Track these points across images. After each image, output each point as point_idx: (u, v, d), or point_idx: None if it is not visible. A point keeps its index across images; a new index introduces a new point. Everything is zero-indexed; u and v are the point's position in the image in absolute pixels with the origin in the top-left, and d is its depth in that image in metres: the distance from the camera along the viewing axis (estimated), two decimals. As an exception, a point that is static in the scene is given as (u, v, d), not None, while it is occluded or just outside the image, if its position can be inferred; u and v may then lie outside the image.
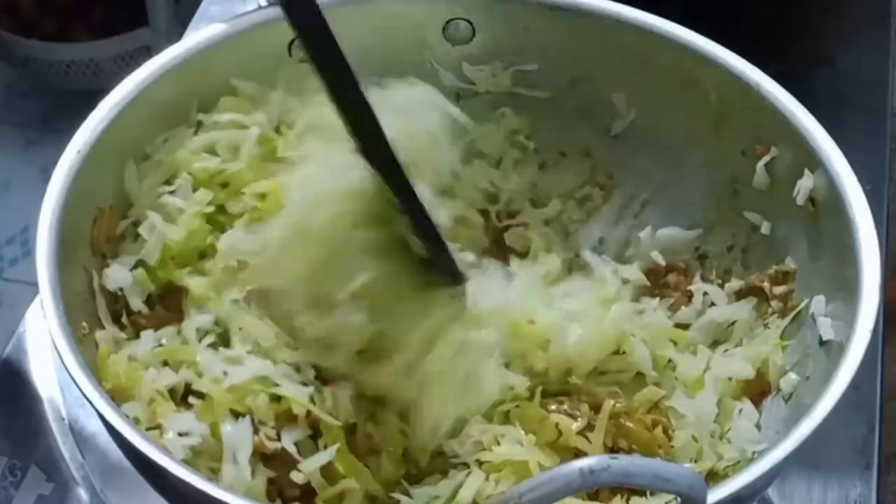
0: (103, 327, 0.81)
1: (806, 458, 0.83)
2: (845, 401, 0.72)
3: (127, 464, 0.76)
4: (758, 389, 0.82)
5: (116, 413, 0.71)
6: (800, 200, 0.83)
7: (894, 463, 0.98)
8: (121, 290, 0.83)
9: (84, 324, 0.78)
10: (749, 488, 0.69)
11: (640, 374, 0.83)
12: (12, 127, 1.23)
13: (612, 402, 0.81)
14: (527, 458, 0.77)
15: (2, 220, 1.10)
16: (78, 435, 0.88)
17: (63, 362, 0.72)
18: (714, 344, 0.87)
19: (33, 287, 0.76)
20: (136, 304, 0.83)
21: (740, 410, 0.81)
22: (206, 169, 0.86)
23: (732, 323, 0.87)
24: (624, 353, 0.83)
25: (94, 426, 0.87)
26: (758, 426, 0.81)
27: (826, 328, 0.79)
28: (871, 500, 0.88)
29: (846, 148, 0.82)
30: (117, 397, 0.76)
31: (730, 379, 0.83)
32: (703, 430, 0.81)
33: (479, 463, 0.78)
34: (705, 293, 0.89)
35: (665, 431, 0.81)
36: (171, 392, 0.79)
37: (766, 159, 0.86)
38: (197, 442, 0.75)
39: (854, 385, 0.72)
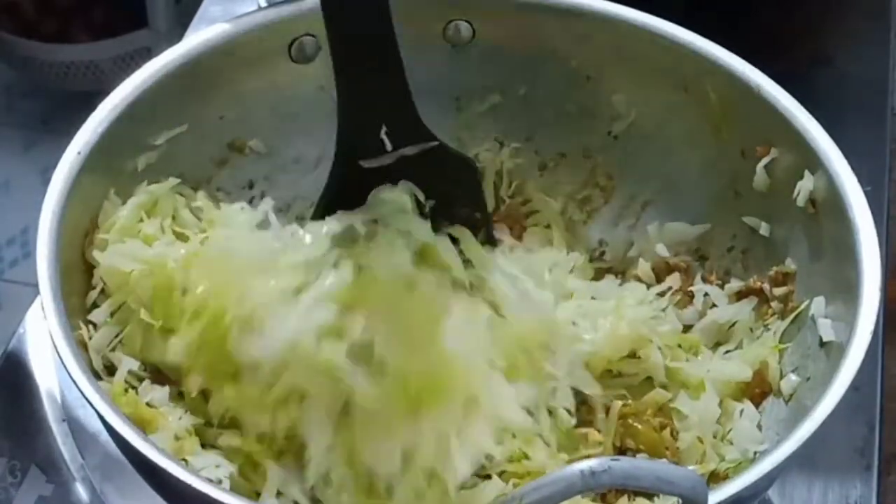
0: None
1: (806, 459, 0.83)
2: (845, 402, 0.72)
3: (127, 465, 0.76)
4: (758, 391, 0.82)
5: (116, 414, 0.71)
6: (800, 202, 0.83)
7: (895, 464, 0.98)
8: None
9: (82, 329, 0.78)
10: (750, 489, 0.69)
11: (648, 377, 0.84)
12: (12, 128, 1.23)
13: (619, 403, 0.81)
14: (545, 468, 0.77)
15: (2, 222, 1.10)
16: (78, 435, 0.88)
17: (63, 363, 0.72)
18: (716, 345, 0.87)
19: (33, 288, 0.76)
20: (131, 366, 0.80)
21: (741, 412, 0.81)
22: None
23: (733, 324, 0.87)
24: (638, 357, 0.83)
25: (94, 427, 0.87)
26: (759, 427, 0.81)
27: (826, 329, 0.79)
28: (872, 501, 0.88)
29: (846, 148, 0.82)
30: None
31: (728, 381, 0.83)
32: (707, 432, 0.81)
33: (501, 473, 0.78)
34: (706, 294, 0.89)
35: (672, 433, 0.81)
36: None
37: (766, 160, 0.86)
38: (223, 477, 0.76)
39: (854, 386, 0.72)
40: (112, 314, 0.81)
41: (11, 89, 1.29)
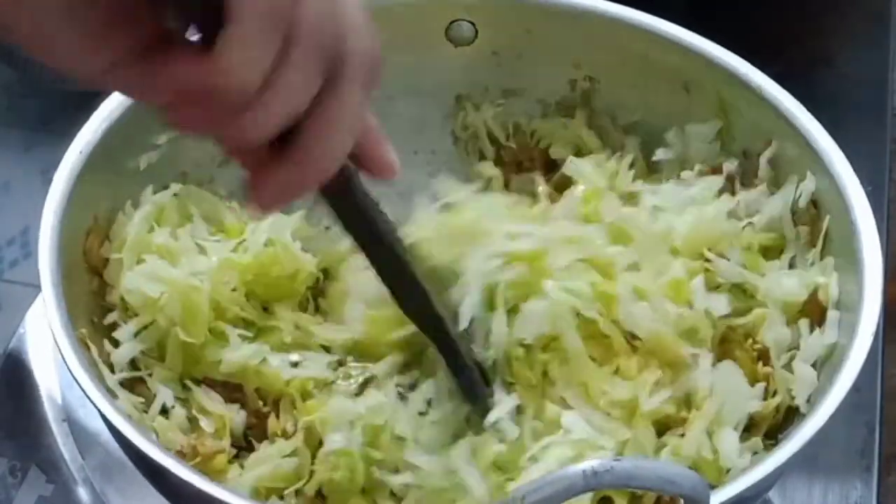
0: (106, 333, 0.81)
1: (806, 460, 0.83)
2: (846, 402, 0.72)
3: (128, 465, 0.76)
4: (817, 314, 0.80)
5: (118, 412, 0.71)
6: (801, 202, 0.83)
7: (895, 464, 0.98)
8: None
9: (83, 330, 0.78)
10: (751, 490, 0.69)
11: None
12: (12, 128, 1.22)
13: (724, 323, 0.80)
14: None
15: (2, 222, 1.10)
16: (79, 436, 0.88)
17: (65, 362, 0.72)
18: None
19: (34, 288, 0.76)
20: (167, 397, 0.80)
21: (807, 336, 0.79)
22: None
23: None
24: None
25: (95, 427, 0.87)
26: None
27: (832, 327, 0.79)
28: (872, 502, 0.88)
29: (846, 149, 0.82)
30: None
31: (787, 300, 0.81)
32: (779, 362, 0.79)
33: None
34: None
35: (768, 363, 0.79)
36: None
37: (767, 154, 0.85)
38: None
39: (855, 387, 0.72)
40: (137, 333, 0.81)
41: (11, 89, 1.29)
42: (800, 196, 0.83)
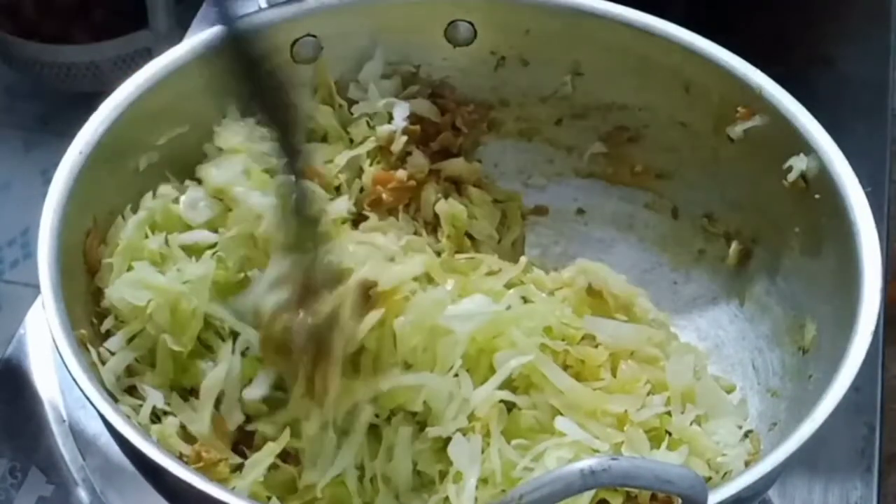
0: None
1: (806, 460, 0.83)
2: (846, 402, 0.72)
3: (128, 465, 0.76)
4: None
5: (117, 413, 0.71)
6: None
7: (895, 464, 0.98)
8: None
9: (83, 331, 0.78)
10: (750, 489, 0.69)
11: None
12: (13, 129, 1.23)
13: None
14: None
15: (2, 222, 1.10)
16: (78, 436, 0.88)
17: (64, 363, 0.72)
18: None
19: (34, 289, 0.76)
20: (157, 400, 0.80)
21: None
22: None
23: None
24: None
25: (94, 428, 0.87)
26: None
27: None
28: (872, 502, 0.88)
29: (846, 149, 0.82)
30: None
31: None
32: None
33: None
34: None
35: None
36: None
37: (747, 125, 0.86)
38: None
39: (855, 386, 0.72)
40: (129, 340, 0.81)
41: (12, 90, 1.29)
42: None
